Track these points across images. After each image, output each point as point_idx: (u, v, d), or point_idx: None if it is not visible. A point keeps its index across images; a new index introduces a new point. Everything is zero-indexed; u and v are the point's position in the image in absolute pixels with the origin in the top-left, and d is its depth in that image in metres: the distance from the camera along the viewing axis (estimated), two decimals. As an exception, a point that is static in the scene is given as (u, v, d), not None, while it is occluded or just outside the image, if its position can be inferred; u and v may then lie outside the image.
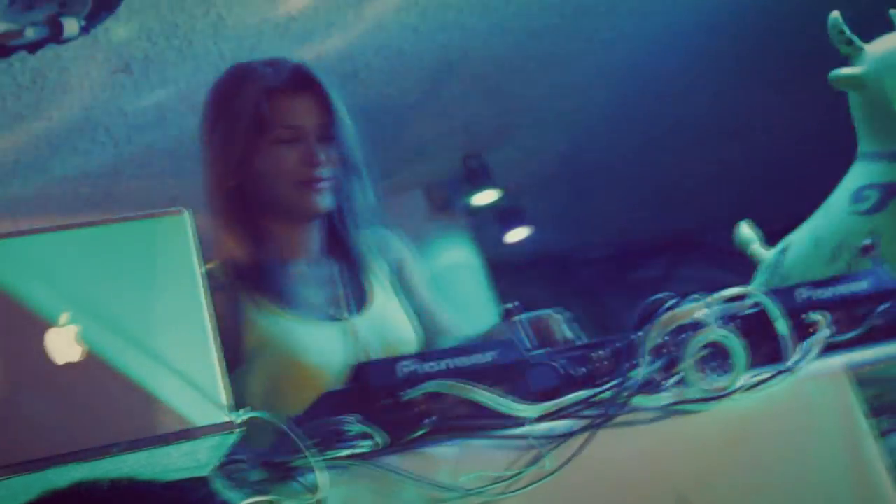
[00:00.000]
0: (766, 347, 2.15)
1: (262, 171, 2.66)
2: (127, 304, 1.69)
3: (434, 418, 1.95)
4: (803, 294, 2.24)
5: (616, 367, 2.07)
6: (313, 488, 1.83)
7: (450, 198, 6.48)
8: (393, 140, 5.67)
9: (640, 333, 2.08)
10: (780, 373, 2.11)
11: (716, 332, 2.08)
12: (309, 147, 2.66)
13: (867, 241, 2.46)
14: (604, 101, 5.85)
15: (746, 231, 3.23)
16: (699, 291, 2.15)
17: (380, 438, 1.90)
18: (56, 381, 1.63)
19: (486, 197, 6.40)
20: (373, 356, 2.60)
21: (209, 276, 1.84)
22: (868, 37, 2.90)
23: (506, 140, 6.12)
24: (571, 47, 5.28)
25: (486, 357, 2.05)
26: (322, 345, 2.62)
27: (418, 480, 1.91)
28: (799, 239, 2.94)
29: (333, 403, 1.97)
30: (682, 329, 2.09)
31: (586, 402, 2.02)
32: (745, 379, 2.09)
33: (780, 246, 3.01)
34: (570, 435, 2.00)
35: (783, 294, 2.22)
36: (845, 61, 2.90)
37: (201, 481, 1.75)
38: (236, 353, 2.56)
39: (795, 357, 2.13)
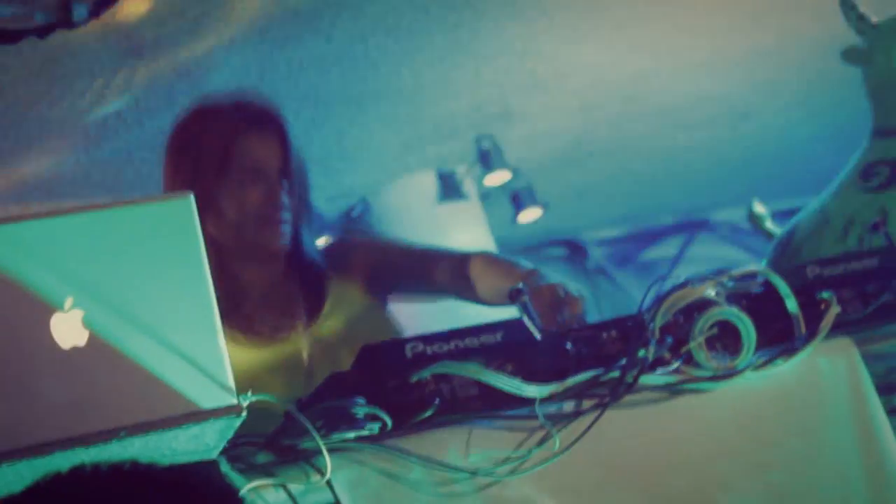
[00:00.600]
0: (775, 326, 2.14)
1: (226, 211, 2.67)
2: (132, 288, 1.69)
3: (440, 400, 1.95)
4: (814, 271, 2.23)
5: (625, 347, 2.06)
6: (320, 470, 1.83)
7: (461, 179, 6.46)
8: (406, 119, 5.67)
9: (650, 312, 2.07)
10: (789, 351, 2.10)
11: (724, 311, 2.07)
12: (272, 187, 2.68)
13: (877, 219, 2.45)
14: (616, 78, 5.82)
15: (758, 209, 3.22)
16: (710, 270, 2.14)
17: (387, 420, 1.89)
18: (62, 366, 1.63)
19: (498, 178, 6.38)
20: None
21: None
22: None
23: (518, 120, 6.10)
24: (583, 25, 5.26)
25: (496, 337, 2.05)
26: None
27: (426, 461, 1.91)
28: (809, 216, 2.93)
29: (341, 385, 1.97)
30: (691, 308, 2.08)
31: (594, 382, 2.02)
32: (754, 357, 2.08)
33: (790, 223, 3.00)
34: (578, 414, 2.00)
35: (793, 272, 2.21)
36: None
37: (207, 465, 1.75)
38: None
39: (805, 335, 2.12)
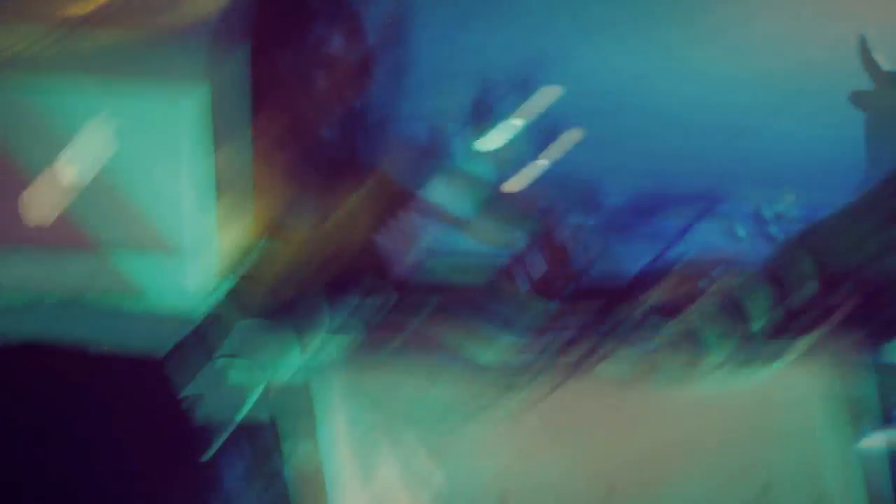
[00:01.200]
0: (765, 319, 2.14)
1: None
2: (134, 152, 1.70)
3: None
4: (818, 265, 2.22)
5: (606, 317, 2.05)
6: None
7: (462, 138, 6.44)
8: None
9: (640, 290, 2.07)
10: (771, 345, 2.10)
11: (716, 295, 2.07)
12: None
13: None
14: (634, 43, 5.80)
15: (774, 195, 3.21)
16: (709, 252, 2.14)
17: (389, 294, 1.89)
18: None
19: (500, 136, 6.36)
20: None
21: None
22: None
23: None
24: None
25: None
26: None
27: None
28: (826, 213, 2.91)
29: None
30: (682, 290, 2.08)
31: (569, 345, 2.01)
32: (736, 349, 2.08)
33: (805, 224, 2.99)
34: (545, 373, 2.00)
35: (793, 273, 2.19)
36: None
37: (155, 363, 1.71)
38: None
39: (788, 332, 2.12)
